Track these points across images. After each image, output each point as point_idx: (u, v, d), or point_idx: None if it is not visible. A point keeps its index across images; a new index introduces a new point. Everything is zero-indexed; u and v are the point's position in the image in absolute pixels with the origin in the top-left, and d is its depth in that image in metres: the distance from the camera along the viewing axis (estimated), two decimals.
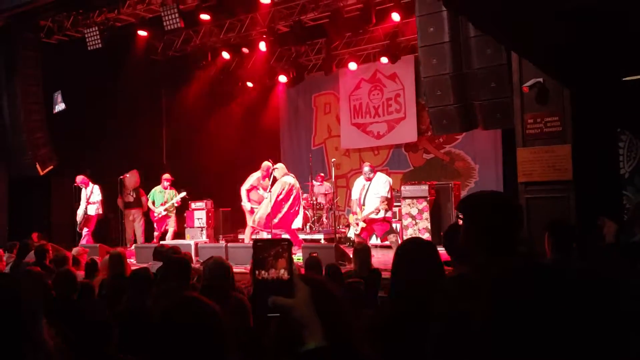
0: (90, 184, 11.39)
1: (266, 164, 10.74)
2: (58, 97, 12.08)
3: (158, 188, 11.93)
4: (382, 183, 9.09)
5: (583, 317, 1.24)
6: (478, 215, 1.96)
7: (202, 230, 12.03)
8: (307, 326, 1.28)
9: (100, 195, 11.37)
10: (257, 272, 1.32)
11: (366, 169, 9.29)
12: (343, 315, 1.48)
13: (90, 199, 11.22)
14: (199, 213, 12.33)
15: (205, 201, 12.49)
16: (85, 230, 11.23)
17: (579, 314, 1.23)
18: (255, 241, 1.37)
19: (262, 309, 1.29)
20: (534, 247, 5.10)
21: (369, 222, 9.02)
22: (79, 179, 11.37)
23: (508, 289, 1.29)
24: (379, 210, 8.85)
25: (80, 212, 11.35)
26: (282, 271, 1.31)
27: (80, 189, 11.47)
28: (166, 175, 12.05)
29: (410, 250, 2.47)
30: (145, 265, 6.10)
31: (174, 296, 1.77)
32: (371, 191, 9.05)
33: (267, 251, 1.33)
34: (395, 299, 2.43)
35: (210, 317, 1.58)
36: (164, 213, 11.74)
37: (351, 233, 9.75)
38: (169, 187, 11.92)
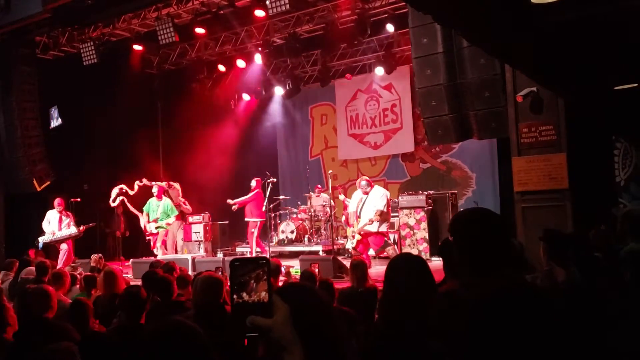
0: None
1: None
2: (54, 112, 12.09)
3: (153, 199, 11.52)
4: (379, 196, 9.04)
5: (558, 340, 1.25)
6: (461, 233, 1.97)
7: (199, 244, 11.95)
8: (286, 347, 1.27)
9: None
10: (235, 295, 1.30)
11: (363, 182, 9.26)
12: (331, 327, 1.46)
13: (70, 223, 10.95)
14: (197, 227, 12.24)
15: (202, 215, 12.41)
16: (65, 247, 10.80)
17: (554, 336, 1.24)
18: (233, 261, 1.34)
19: (240, 329, 1.27)
20: (525, 256, 5.10)
21: (365, 235, 8.99)
22: (58, 201, 10.85)
23: (488, 311, 1.30)
24: (372, 222, 8.80)
25: (61, 234, 10.76)
26: (263, 294, 1.29)
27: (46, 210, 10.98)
28: (158, 184, 11.69)
29: (400, 266, 2.47)
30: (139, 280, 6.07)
31: (159, 319, 1.76)
32: (368, 204, 9.02)
33: (248, 273, 1.30)
34: (386, 315, 2.42)
35: (193, 341, 1.57)
36: (154, 231, 11.34)
37: (349, 245, 9.72)
38: (162, 197, 11.47)
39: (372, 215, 8.77)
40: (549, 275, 4.04)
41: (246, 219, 11.59)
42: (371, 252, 9.67)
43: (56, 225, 10.86)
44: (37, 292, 4.19)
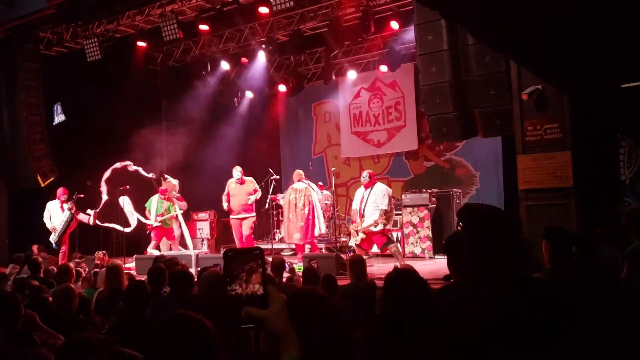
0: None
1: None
2: (58, 108, 12.10)
3: (156, 197, 11.32)
4: (381, 195, 9.02)
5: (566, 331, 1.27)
6: (478, 225, 1.99)
7: (203, 241, 11.94)
8: (283, 338, 1.26)
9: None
10: (229, 287, 1.28)
11: (364, 174, 9.29)
12: (331, 318, 1.45)
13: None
14: (202, 224, 12.26)
15: (208, 212, 12.37)
16: (63, 248, 10.64)
17: (562, 326, 1.26)
18: (227, 252, 1.32)
19: (236, 321, 1.26)
20: (533, 254, 5.08)
21: (369, 233, 8.99)
22: (61, 191, 10.72)
23: (500, 302, 1.31)
24: (377, 224, 8.81)
25: (59, 223, 10.59)
26: (256, 286, 1.28)
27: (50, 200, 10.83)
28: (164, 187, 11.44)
29: (398, 290, 2.46)
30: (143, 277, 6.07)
31: (167, 312, 1.75)
32: (370, 202, 9.00)
33: (241, 265, 1.29)
34: (386, 312, 2.43)
35: (201, 334, 1.56)
36: (156, 224, 11.04)
37: (352, 242, 9.72)
38: (165, 199, 11.22)
39: (377, 216, 8.78)
40: (553, 273, 4.02)
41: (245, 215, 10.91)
42: (375, 249, 9.68)
43: (57, 217, 10.73)
44: (63, 291, 4.22)
